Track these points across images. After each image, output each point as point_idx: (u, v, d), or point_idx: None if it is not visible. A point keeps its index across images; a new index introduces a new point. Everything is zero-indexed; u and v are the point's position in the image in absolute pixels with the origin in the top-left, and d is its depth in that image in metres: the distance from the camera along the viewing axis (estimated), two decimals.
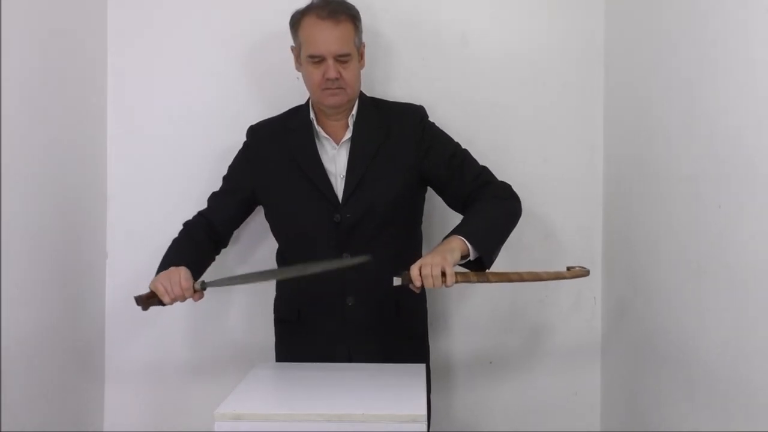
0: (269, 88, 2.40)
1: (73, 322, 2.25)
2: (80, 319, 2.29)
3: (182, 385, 2.43)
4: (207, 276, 2.02)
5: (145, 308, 1.92)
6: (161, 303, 1.91)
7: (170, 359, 2.43)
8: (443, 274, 1.79)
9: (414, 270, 1.80)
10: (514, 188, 2.11)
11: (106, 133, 2.41)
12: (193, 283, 1.90)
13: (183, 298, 1.90)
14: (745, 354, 1.54)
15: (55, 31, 2.12)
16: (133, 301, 1.92)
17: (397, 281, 1.83)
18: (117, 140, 2.41)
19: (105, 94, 2.40)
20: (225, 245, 2.20)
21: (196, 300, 1.93)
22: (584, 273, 1.94)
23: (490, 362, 2.44)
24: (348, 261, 1.96)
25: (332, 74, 2.00)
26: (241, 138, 2.21)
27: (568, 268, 1.95)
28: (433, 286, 1.79)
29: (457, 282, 1.82)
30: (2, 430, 1.87)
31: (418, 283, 1.79)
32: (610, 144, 2.37)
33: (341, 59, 2.01)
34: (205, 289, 1.92)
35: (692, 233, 1.77)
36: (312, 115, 2.11)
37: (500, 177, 2.16)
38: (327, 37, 2.00)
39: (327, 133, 2.10)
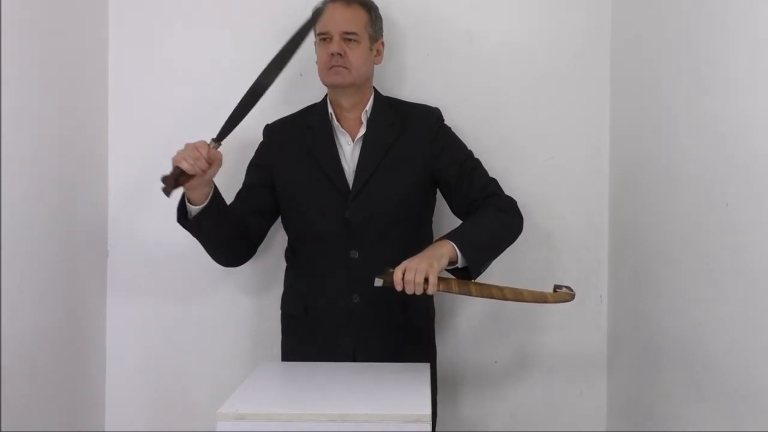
0: (272, 87, 2.38)
1: (74, 321, 2.23)
2: (80, 319, 2.28)
3: (184, 385, 2.42)
4: None
5: (169, 190, 1.84)
6: (186, 178, 1.85)
7: (172, 359, 2.42)
8: (426, 280, 1.78)
9: (398, 273, 1.79)
10: (518, 188, 2.11)
11: (107, 131, 2.40)
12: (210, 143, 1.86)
13: (202, 158, 1.84)
14: (754, 353, 1.53)
15: (55, 28, 2.11)
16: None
17: (378, 282, 1.82)
18: (118, 137, 2.40)
19: (106, 92, 2.39)
20: (252, 242, 2.14)
21: (214, 162, 1.87)
22: (569, 297, 1.90)
23: (495, 361, 2.42)
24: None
25: (335, 48, 2.03)
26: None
27: (556, 288, 1.91)
28: (414, 292, 1.79)
29: (438, 290, 1.81)
30: (2, 430, 1.85)
31: (399, 288, 1.79)
32: (616, 141, 2.36)
33: (348, 37, 2.04)
34: (219, 142, 1.87)
35: (699, 231, 1.76)
36: (331, 110, 2.12)
37: (505, 174, 2.18)
38: (335, 15, 2.05)
39: (344, 129, 2.10)
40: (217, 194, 1.96)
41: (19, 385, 1.94)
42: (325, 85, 2.11)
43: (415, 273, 1.78)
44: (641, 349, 2.15)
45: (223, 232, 2.03)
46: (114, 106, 2.39)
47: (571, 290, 1.91)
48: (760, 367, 1.50)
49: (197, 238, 2.02)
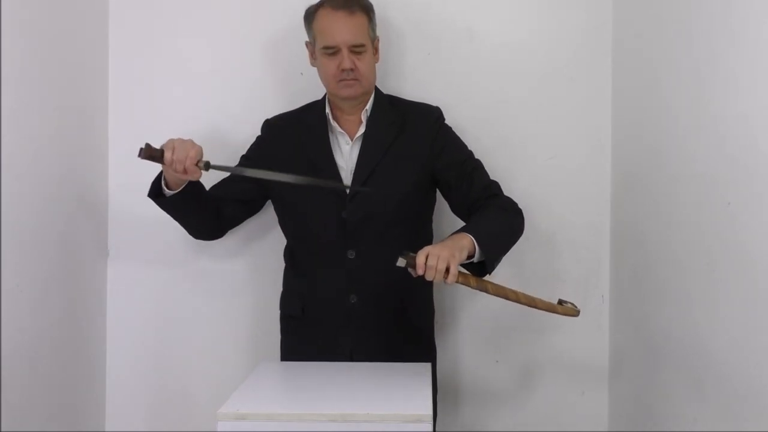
0: (271, 87, 2.39)
1: (74, 321, 2.23)
2: (80, 319, 2.27)
3: (184, 385, 2.42)
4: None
5: (141, 155, 1.84)
6: (160, 161, 1.85)
7: (172, 359, 2.42)
8: (447, 269, 1.76)
9: (420, 257, 1.75)
10: (519, 188, 2.11)
11: (107, 131, 2.39)
12: (201, 160, 1.84)
13: (183, 165, 1.82)
14: (754, 353, 1.53)
15: (55, 28, 2.10)
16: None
17: (401, 262, 1.78)
18: (118, 137, 2.39)
19: (106, 92, 2.39)
20: (224, 226, 2.15)
21: (193, 176, 1.86)
22: (574, 313, 1.90)
23: (497, 361, 2.42)
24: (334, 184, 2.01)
25: (347, 65, 2.00)
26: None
27: (560, 302, 1.91)
28: (434, 279, 1.76)
29: (457, 282, 1.79)
30: (2, 430, 1.85)
31: (420, 272, 1.76)
32: (617, 141, 2.35)
33: (355, 50, 2.01)
34: (207, 169, 1.85)
35: (701, 230, 1.76)
36: (328, 110, 2.11)
37: (505, 174, 2.18)
38: (341, 27, 2.01)
39: (342, 129, 2.10)
40: (189, 188, 1.94)
41: (19, 385, 1.94)
42: (336, 97, 2.08)
43: (437, 260, 1.75)
44: (643, 349, 2.14)
45: (191, 215, 2.05)
46: (114, 106, 2.39)
47: (576, 307, 1.91)
48: (761, 367, 1.50)
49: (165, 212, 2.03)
